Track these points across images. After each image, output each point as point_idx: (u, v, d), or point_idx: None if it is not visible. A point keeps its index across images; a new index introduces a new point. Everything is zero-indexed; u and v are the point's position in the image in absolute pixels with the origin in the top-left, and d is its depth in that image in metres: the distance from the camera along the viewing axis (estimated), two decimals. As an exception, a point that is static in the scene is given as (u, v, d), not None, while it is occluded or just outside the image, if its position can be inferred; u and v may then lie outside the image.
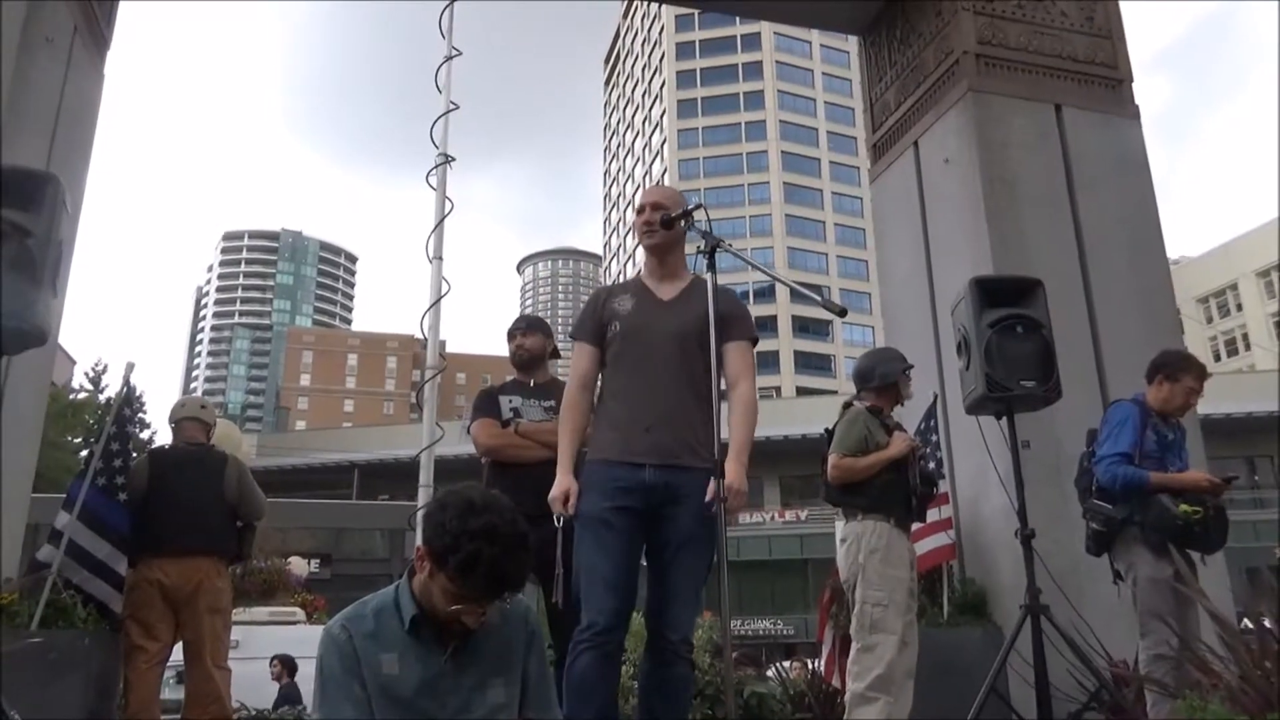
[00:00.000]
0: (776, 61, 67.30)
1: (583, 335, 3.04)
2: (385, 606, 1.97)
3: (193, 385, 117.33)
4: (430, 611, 1.91)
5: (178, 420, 4.50)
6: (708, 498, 2.65)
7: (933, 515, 5.02)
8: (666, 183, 63.44)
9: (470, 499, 1.87)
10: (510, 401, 3.81)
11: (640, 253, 3.25)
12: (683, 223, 2.95)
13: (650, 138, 72.40)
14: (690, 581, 2.80)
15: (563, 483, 2.82)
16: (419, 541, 1.94)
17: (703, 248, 2.84)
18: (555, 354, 4.10)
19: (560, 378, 4.11)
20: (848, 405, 4.32)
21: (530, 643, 2.06)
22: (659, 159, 68.99)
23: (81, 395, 32.96)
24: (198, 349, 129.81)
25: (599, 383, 3.04)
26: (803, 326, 61.60)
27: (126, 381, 4.54)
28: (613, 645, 2.68)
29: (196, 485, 4.28)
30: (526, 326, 4.03)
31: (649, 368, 2.90)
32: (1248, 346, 53.48)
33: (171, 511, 4.20)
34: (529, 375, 3.95)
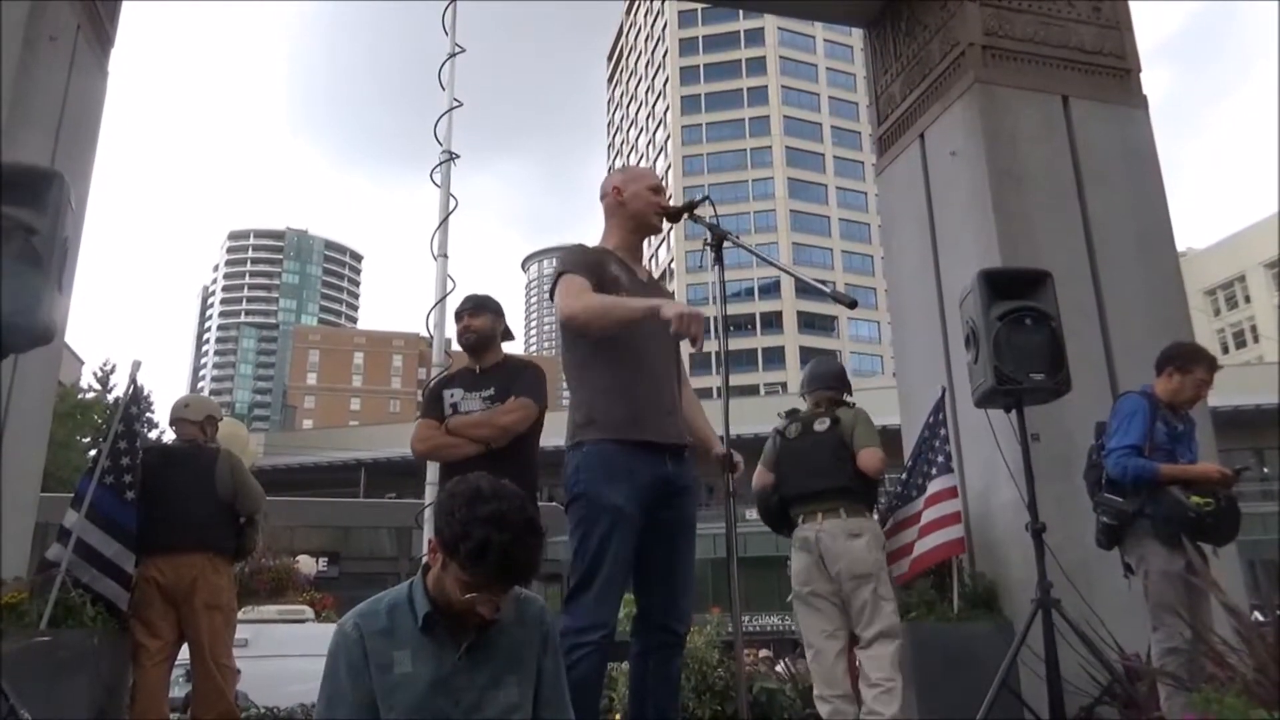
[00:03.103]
0: (780, 57, 67.24)
1: (588, 279, 2.79)
2: (399, 603, 1.96)
3: (199, 384, 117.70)
4: (445, 605, 1.90)
5: (171, 423, 4.56)
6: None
7: (943, 509, 5.01)
8: (671, 179, 63.48)
9: (479, 487, 1.87)
10: (451, 396, 3.64)
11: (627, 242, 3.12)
12: (688, 215, 2.92)
13: (654, 134, 72.37)
14: (691, 571, 2.81)
15: (684, 305, 2.54)
16: (427, 536, 1.93)
17: (709, 241, 2.80)
18: (508, 335, 3.85)
19: (514, 355, 3.87)
20: (844, 405, 4.47)
21: (545, 642, 2.05)
22: (663, 155, 68.95)
23: (89, 395, 33.03)
24: (204, 348, 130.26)
25: (582, 352, 2.86)
26: (808, 322, 61.59)
27: (133, 380, 4.54)
28: (611, 644, 2.66)
29: (187, 482, 4.27)
30: (474, 307, 3.79)
31: (655, 349, 2.85)
32: (1256, 338, 53.30)
33: (162, 509, 4.19)
34: (477, 359, 3.76)
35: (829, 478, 4.21)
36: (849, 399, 4.55)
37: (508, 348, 3.89)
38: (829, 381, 4.55)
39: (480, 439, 3.45)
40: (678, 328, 2.47)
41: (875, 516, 4.37)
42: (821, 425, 4.33)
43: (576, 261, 2.84)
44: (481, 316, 3.74)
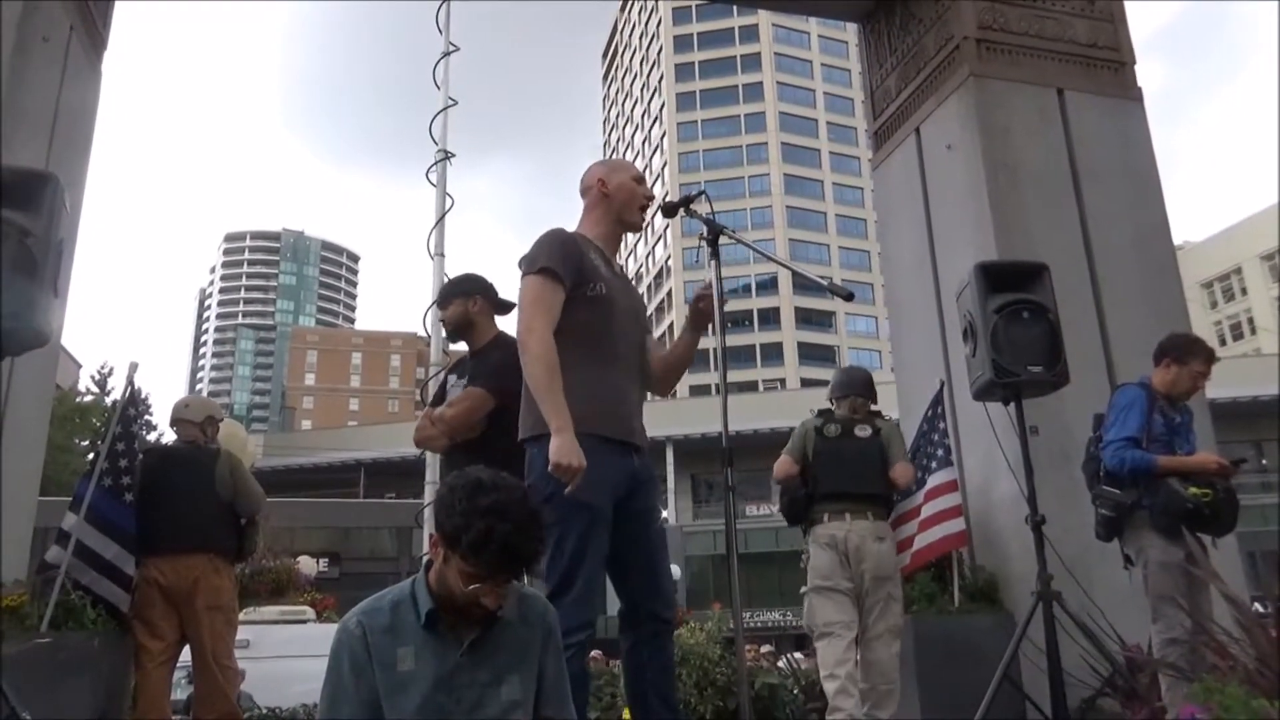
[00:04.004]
0: (775, 53, 67.17)
1: (562, 276, 2.66)
2: (402, 600, 1.97)
3: (198, 386, 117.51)
4: (448, 599, 1.90)
5: (171, 424, 4.55)
6: None
7: (943, 503, 5.02)
8: (667, 176, 63.45)
9: (478, 479, 1.88)
10: (450, 383, 3.56)
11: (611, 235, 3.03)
12: (683, 211, 2.92)
13: (650, 131, 72.30)
14: (667, 556, 2.82)
15: (576, 451, 2.44)
16: (427, 534, 1.93)
17: (705, 236, 2.80)
18: (501, 308, 3.60)
19: (501, 335, 3.57)
20: (880, 416, 4.64)
21: (547, 640, 2.05)
22: (659, 152, 68.89)
23: (87, 398, 32.99)
24: (202, 350, 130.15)
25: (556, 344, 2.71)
26: (806, 318, 61.54)
27: (130, 382, 4.54)
28: (591, 643, 2.66)
29: (187, 483, 4.26)
30: (441, 299, 3.64)
31: (627, 343, 2.82)
32: (1253, 331, 53.35)
33: (163, 510, 4.19)
34: (468, 346, 3.60)
35: (867, 483, 4.39)
36: (877, 408, 4.72)
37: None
38: (860, 389, 4.68)
39: (441, 433, 3.38)
40: (555, 472, 2.44)
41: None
42: (863, 432, 4.50)
43: (556, 254, 2.69)
44: (449, 306, 3.56)
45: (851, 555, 4.28)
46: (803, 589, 4.46)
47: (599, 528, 2.59)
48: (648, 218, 2.99)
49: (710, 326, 2.81)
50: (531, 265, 2.70)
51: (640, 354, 2.89)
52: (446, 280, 3.71)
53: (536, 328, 2.58)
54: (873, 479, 4.39)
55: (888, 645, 4.18)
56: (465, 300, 3.55)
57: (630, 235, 3.06)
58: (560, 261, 2.67)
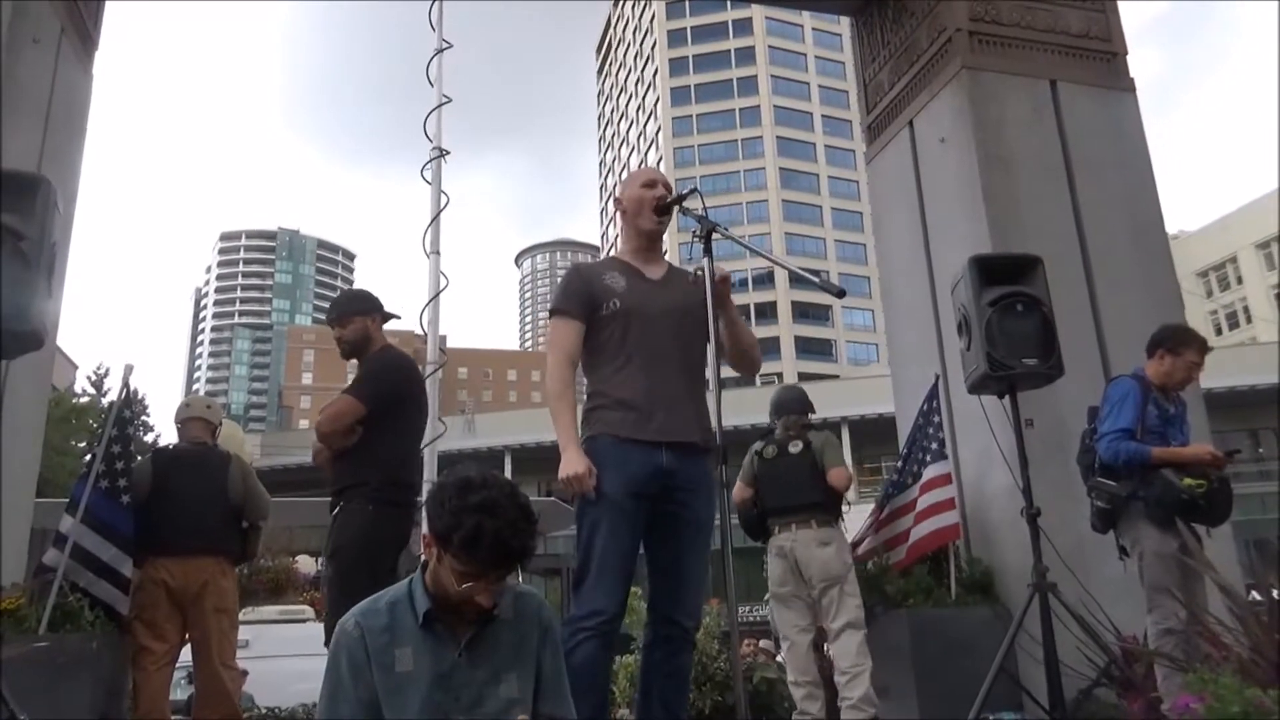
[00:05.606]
0: (769, 46, 67.11)
1: (572, 311, 2.92)
2: (400, 600, 1.97)
3: (195, 386, 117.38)
4: (443, 599, 1.91)
5: (183, 420, 4.49)
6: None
7: (938, 495, 5.03)
8: (663, 171, 63.35)
9: (468, 477, 1.89)
10: None
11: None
12: (677, 208, 2.94)
13: (645, 126, 72.22)
14: (702, 567, 2.85)
15: (577, 462, 2.69)
16: (423, 532, 1.94)
17: (699, 233, 2.81)
18: (386, 319, 3.86)
19: (386, 347, 3.81)
20: (813, 428, 4.90)
21: (544, 637, 2.05)
22: (654, 147, 68.83)
23: (84, 399, 32.93)
24: (199, 350, 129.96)
25: (585, 355, 2.97)
26: (802, 312, 61.53)
27: (126, 383, 4.53)
28: (614, 634, 2.69)
29: (199, 485, 4.27)
30: (341, 317, 3.78)
31: (658, 346, 2.87)
32: (1249, 319, 53.39)
33: (175, 512, 4.19)
34: (359, 360, 3.77)
35: (803, 494, 4.69)
36: (813, 419, 5.03)
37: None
38: (794, 407, 4.98)
39: (318, 441, 3.55)
40: (562, 486, 2.72)
41: (843, 524, 4.88)
42: (795, 448, 4.80)
43: (560, 294, 2.96)
44: (351, 323, 3.76)
45: (800, 562, 4.62)
46: (766, 595, 4.88)
47: (611, 518, 2.68)
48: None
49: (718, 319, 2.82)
50: (549, 309, 3.01)
51: (693, 344, 2.94)
52: (341, 296, 3.88)
53: (550, 363, 2.90)
54: (807, 489, 4.68)
55: (850, 636, 4.46)
56: (365, 318, 3.79)
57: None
58: (564, 299, 2.93)
